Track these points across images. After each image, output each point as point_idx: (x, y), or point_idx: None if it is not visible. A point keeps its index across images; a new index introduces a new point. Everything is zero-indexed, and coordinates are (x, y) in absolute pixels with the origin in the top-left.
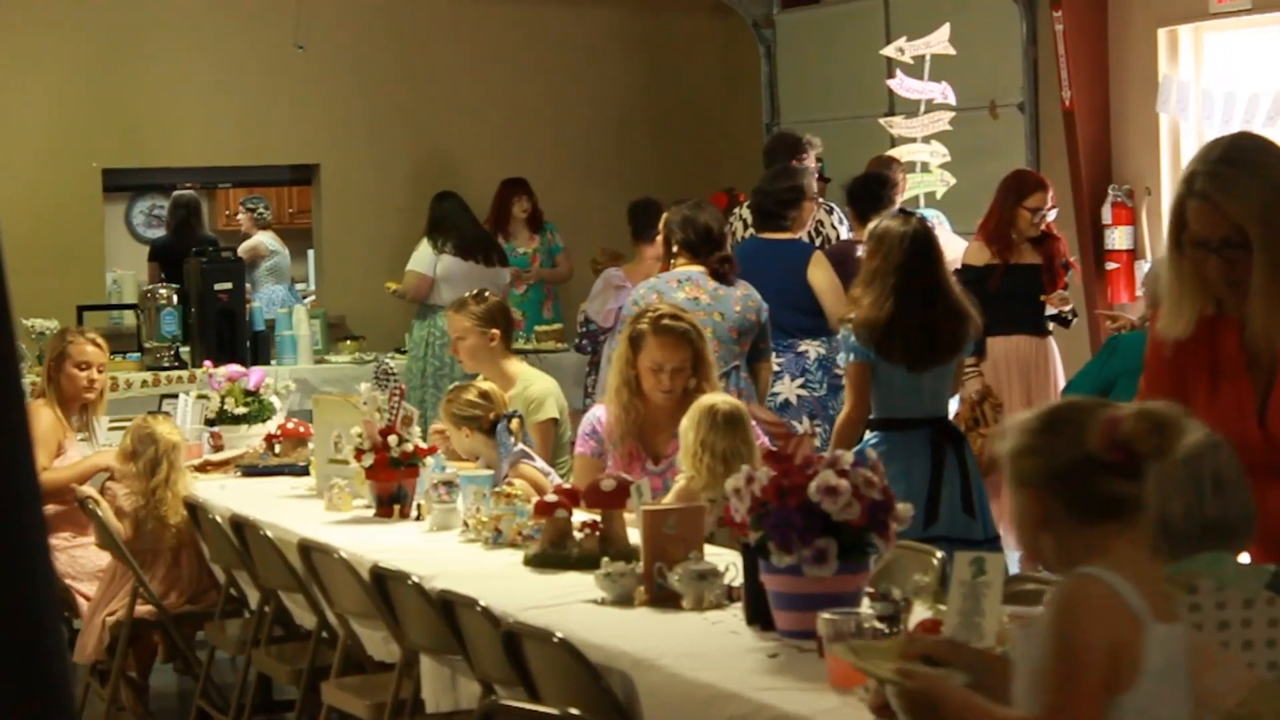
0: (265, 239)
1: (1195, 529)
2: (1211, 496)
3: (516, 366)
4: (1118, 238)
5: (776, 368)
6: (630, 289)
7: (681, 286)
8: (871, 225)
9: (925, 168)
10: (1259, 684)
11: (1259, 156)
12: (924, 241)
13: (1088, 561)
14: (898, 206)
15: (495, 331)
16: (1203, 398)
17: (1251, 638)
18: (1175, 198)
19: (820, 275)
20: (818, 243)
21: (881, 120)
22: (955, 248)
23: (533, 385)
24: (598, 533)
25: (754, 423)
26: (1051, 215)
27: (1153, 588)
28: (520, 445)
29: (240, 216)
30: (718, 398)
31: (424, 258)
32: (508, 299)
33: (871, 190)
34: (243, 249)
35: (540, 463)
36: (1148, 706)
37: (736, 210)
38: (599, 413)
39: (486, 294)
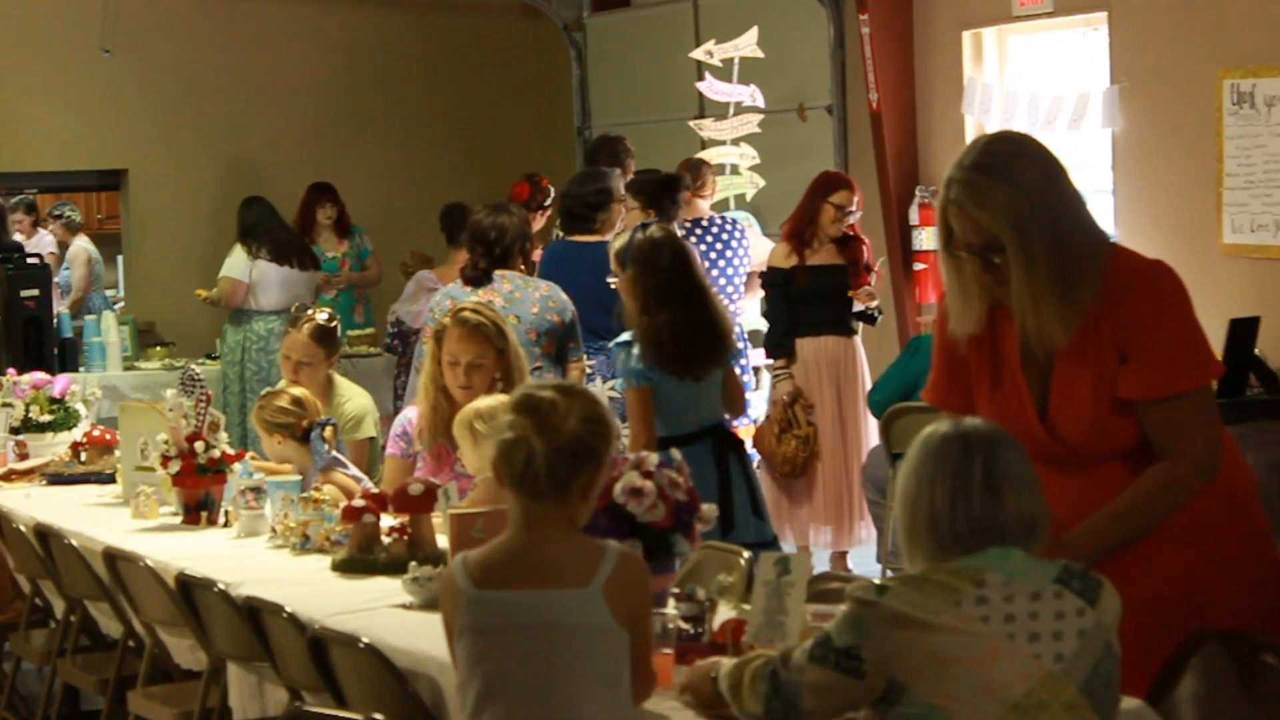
0: (86, 244)
1: (963, 528)
2: (982, 497)
3: (335, 380)
4: (925, 238)
5: (589, 370)
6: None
7: (474, 291)
8: (620, 244)
9: (735, 170)
10: (1045, 675)
11: (1012, 161)
12: (682, 247)
13: (517, 526)
14: (709, 205)
15: (335, 358)
16: (985, 394)
17: (1038, 630)
18: (939, 203)
19: None
20: None
21: (691, 123)
22: (763, 249)
23: (350, 401)
24: (405, 537)
25: None
26: (855, 218)
27: (520, 556)
28: (333, 452)
29: (52, 226)
30: (481, 403)
31: (238, 263)
32: (318, 302)
33: (670, 193)
34: (72, 258)
35: (353, 469)
36: (482, 651)
37: None
38: (410, 414)
39: (328, 316)
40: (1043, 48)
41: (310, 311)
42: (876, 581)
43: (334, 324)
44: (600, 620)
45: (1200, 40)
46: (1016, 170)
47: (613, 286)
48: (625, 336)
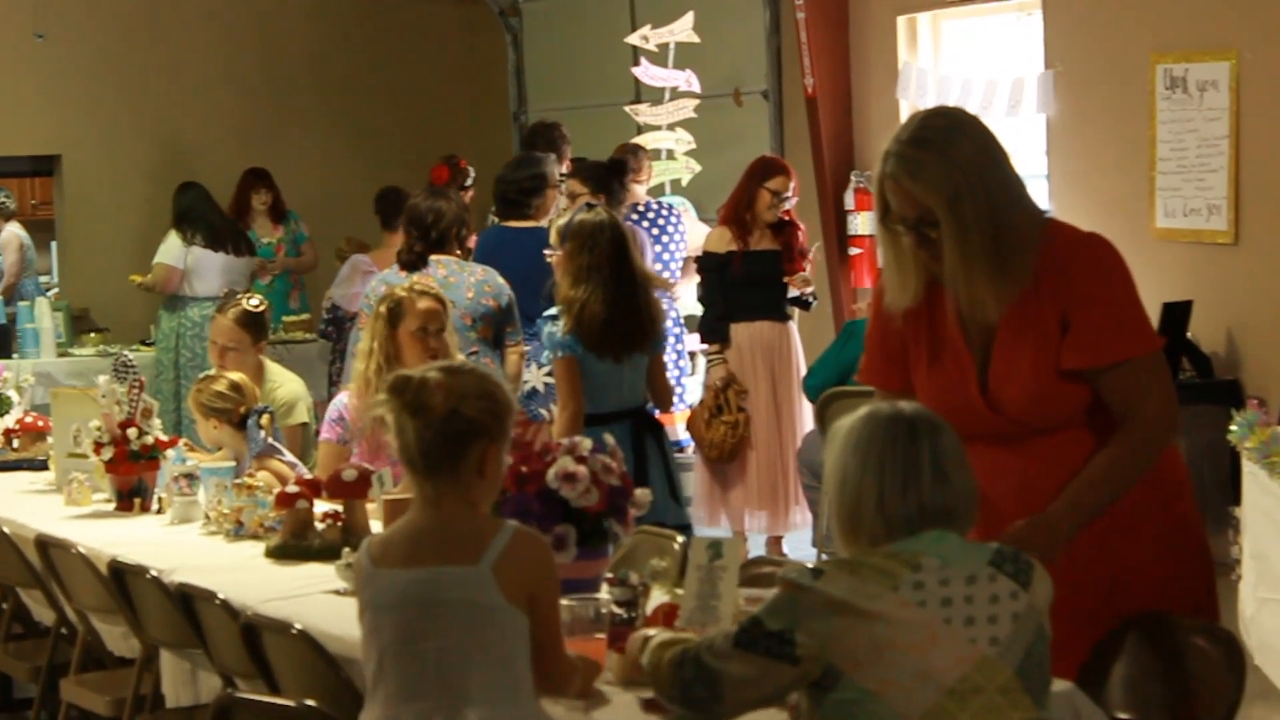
0: (18, 230)
1: (914, 511)
2: (932, 480)
3: (266, 365)
4: (860, 223)
5: (526, 354)
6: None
7: (410, 276)
8: (561, 222)
9: (670, 155)
10: (981, 659)
11: (948, 136)
12: (622, 231)
13: (415, 505)
14: (645, 190)
15: (263, 344)
16: (924, 368)
17: (974, 614)
18: (876, 176)
19: None
20: None
21: (627, 108)
22: (700, 234)
23: (282, 387)
24: (339, 523)
25: None
26: (791, 203)
27: (416, 535)
28: (270, 439)
29: None
30: None
31: (173, 249)
32: (253, 288)
33: (618, 177)
34: (3, 244)
35: (288, 455)
36: (376, 627)
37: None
38: (345, 399)
39: (257, 302)
40: (977, 33)
41: (238, 296)
42: (810, 565)
43: (261, 309)
44: (488, 599)
45: (1133, 25)
46: (952, 145)
47: (549, 261)
48: (552, 311)
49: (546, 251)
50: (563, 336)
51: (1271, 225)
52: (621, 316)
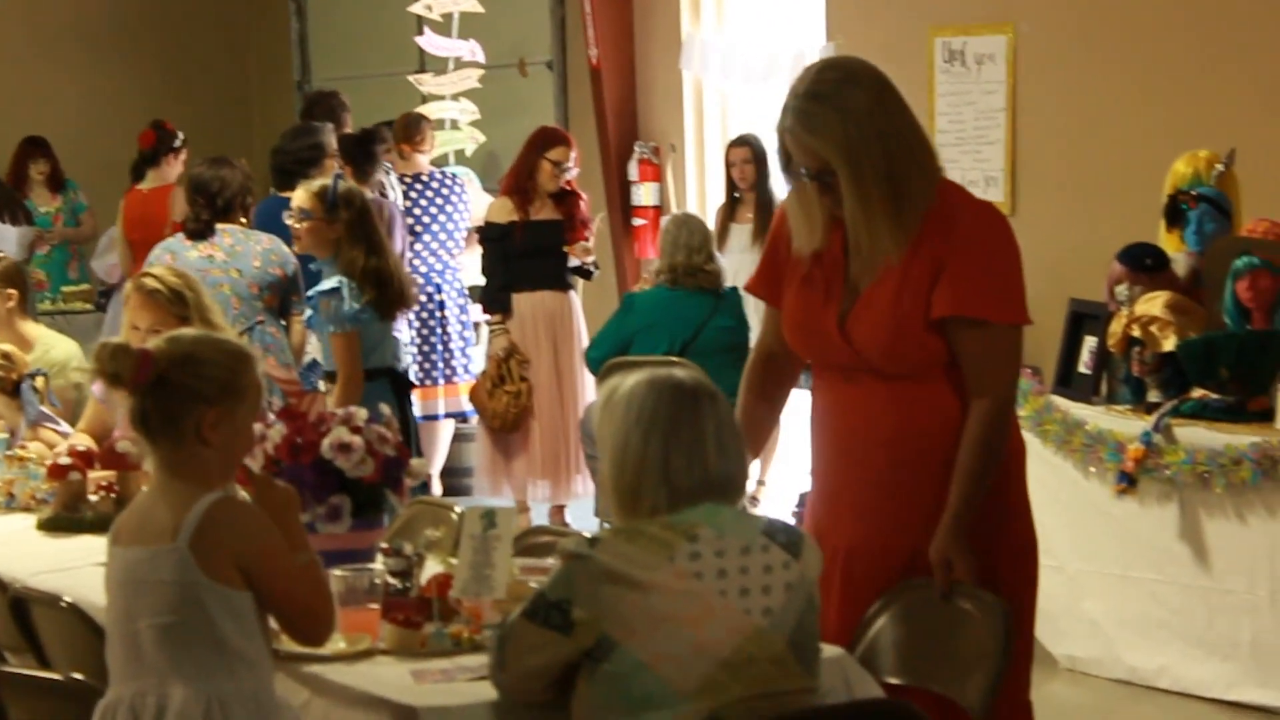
0: None
1: (699, 481)
2: (716, 450)
3: (34, 330)
4: (644, 194)
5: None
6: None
7: (195, 245)
8: (316, 187)
9: (455, 125)
10: (755, 630)
11: (842, 88)
12: (367, 201)
13: (152, 475)
14: (430, 160)
15: (12, 292)
16: (795, 287)
17: (748, 584)
18: (777, 128)
19: None
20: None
21: (411, 78)
22: (483, 205)
23: (54, 349)
24: (113, 494)
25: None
26: (573, 173)
27: (141, 510)
28: (44, 407)
29: None
30: None
31: None
32: (33, 257)
33: (367, 148)
34: None
35: (63, 425)
36: (107, 606)
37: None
38: None
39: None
40: (760, 4)
41: None
42: (588, 535)
43: (2, 258)
44: (188, 577)
45: None
46: (845, 97)
47: (299, 227)
48: (332, 283)
49: (299, 220)
50: (353, 309)
51: (1047, 197)
52: (399, 277)
